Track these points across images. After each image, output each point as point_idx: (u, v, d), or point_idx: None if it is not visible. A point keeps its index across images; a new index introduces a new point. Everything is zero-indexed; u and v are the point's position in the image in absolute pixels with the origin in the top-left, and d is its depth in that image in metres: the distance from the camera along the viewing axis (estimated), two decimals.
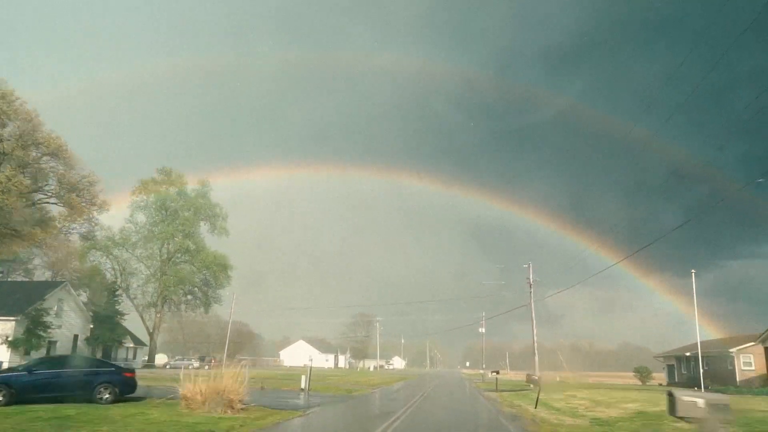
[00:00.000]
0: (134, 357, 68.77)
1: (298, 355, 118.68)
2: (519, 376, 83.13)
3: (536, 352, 40.05)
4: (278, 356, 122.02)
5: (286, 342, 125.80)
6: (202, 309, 79.50)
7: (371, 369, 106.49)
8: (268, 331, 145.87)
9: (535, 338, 39.92)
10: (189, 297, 78.72)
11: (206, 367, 74.15)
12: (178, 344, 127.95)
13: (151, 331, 73.07)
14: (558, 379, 59.93)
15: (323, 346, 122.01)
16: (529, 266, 40.95)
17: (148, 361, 71.42)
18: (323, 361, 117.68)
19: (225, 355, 67.05)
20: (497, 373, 34.10)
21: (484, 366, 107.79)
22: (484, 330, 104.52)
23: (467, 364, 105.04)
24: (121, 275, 71.06)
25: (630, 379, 61.20)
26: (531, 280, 40.59)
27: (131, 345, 67.56)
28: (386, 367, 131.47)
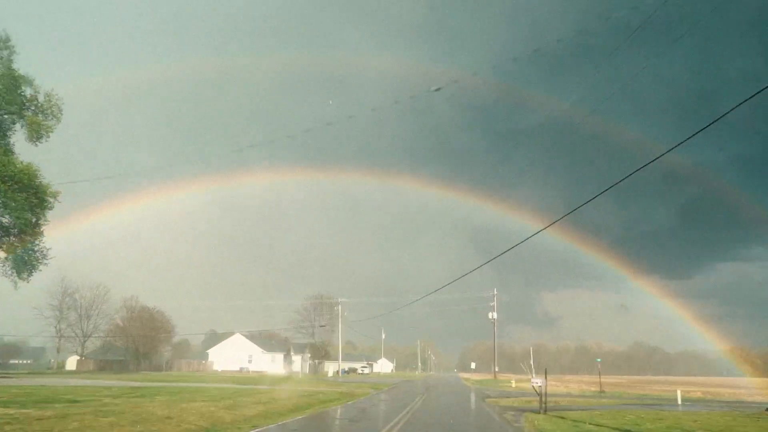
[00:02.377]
0: None
1: (234, 355, 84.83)
2: (565, 385, 50.88)
3: None
4: (207, 357, 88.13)
5: (222, 336, 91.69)
6: (14, 274, 45.64)
7: (330, 375, 73.12)
8: (204, 324, 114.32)
9: None
10: None
11: None
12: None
13: None
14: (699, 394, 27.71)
15: (270, 342, 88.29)
16: None
17: None
18: (268, 362, 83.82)
19: None
20: None
21: (496, 368, 74.09)
22: (495, 315, 71.18)
23: (472, 365, 74.15)
24: None
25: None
26: None
27: None
28: (361, 371, 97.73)
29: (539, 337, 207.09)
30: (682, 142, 11.81)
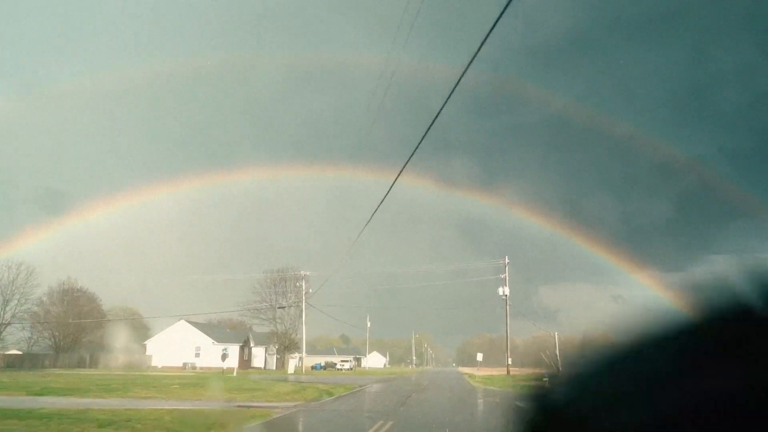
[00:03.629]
0: None
1: (176, 346, 67.54)
2: None
3: None
4: (145, 349, 70.83)
5: (165, 323, 74.23)
6: None
7: (291, 371, 56.05)
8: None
9: None
10: None
11: None
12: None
13: None
14: None
15: (224, 332, 71.12)
16: None
17: None
18: (219, 356, 66.54)
19: None
20: None
21: (509, 362, 56.77)
22: (507, 291, 53.93)
23: (479, 357, 58.69)
24: None
25: None
26: None
27: None
28: (341, 366, 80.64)
29: (539, 330, 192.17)
30: None
